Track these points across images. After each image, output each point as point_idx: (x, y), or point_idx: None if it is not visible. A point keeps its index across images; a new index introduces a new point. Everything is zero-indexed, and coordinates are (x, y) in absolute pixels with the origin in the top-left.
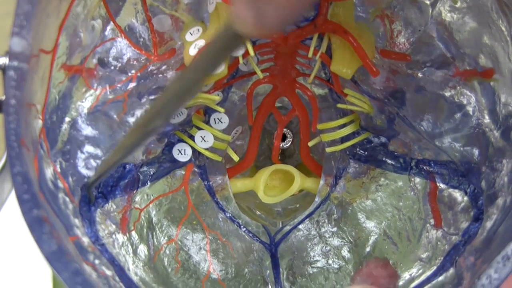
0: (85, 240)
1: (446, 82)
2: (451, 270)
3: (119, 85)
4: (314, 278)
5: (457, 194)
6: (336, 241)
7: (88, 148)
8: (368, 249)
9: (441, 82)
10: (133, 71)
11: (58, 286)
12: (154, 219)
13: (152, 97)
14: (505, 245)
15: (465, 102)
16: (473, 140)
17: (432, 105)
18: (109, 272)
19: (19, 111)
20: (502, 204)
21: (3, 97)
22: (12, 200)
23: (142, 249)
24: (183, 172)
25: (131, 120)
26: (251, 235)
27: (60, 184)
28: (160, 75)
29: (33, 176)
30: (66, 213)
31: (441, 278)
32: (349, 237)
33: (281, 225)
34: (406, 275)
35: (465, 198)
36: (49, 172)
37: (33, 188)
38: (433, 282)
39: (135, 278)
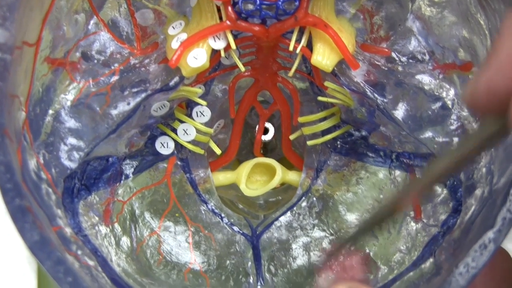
0: (68, 230)
1: (426, 75)
2: (430, 260)
3: (102, 78)
4: (296, 270)
5: (437, 187)
6: (317, 233)
7: (71, 140)
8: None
9: (420, 76)
10: (116, 65)
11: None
12: (137, 211)
13: (134, 89)
14: (482, 234)
15: (444, 95)
16: (452, 133)
17: (411, 98)
18: (91, 263)
19: (2, 101)
20: (480, 195)
21: None
22: None
23: (125, 241)
24: (166, 165)
25: (114, 112)
26: (233, 227)
27: (43, 175)
28: (143, 69)
29: (16, 166)
30: (49, 204)
31: (420, 268)
32: (330, 230)
33: (263, 218)
34: (386, 267)
35: (444, 191)
36: (32, 164)
37: (16, 178)
38: (412, 272)
39: (117, 269)
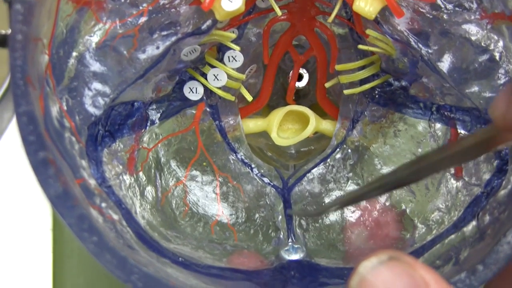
0: (92, 182)
1: (473, 25)
2: (473, 224)
3: (129, 19)
4: (328, 225)
5: None
6: (351, 187)
7: (96, 85)
8: (384, 196)
9: (467, 25)
10: (144, 5)
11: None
12: (163, 159)
13: (164, 32)
14: None
15: (492, 47)
16: (500, 87)
17: (457, 49)
18: (116, 216)
19: (25, 47)
20: None
21: (9, 31)
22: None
23: (150, 191)
24: (194, 111)
25: (142, 56)
26: (263, 178)
27: (67, 123)
28: (173, 10)
29: (39, 116)
30: (72, 154)
31: (461, 231)
32: (365, 183)
33: (293, 168)
34: (423, 226)
35: None
36: (55, 110)
37: (39, 129)
38: (453, 235)
39: (142, 222)
